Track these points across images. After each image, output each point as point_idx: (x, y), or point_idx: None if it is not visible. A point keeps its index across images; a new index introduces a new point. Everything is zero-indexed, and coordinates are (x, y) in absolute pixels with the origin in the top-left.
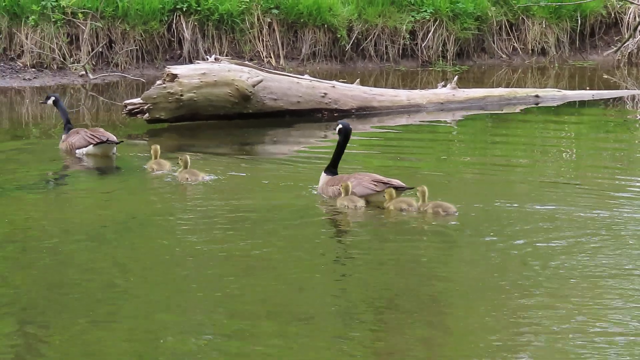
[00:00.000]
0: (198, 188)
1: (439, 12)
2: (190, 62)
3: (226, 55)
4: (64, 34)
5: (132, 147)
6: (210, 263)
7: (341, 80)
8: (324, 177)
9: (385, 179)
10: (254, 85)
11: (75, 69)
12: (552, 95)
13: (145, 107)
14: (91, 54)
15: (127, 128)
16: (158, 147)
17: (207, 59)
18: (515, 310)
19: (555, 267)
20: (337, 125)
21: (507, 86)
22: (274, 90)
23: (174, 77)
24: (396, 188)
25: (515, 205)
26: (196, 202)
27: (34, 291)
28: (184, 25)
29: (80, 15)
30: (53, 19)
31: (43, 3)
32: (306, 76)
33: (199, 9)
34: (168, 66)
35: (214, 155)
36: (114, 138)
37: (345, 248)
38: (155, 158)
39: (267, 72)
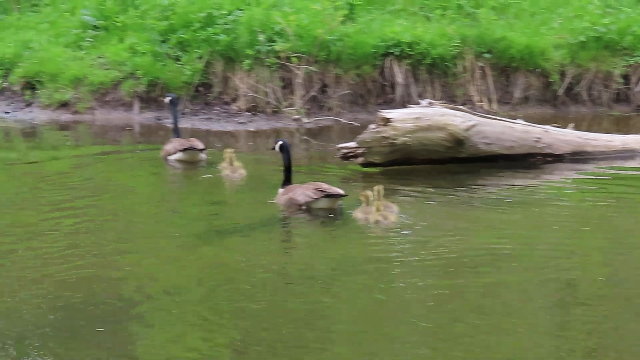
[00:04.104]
0: None
1: None
2: (403, 106)
3: (439, 100)
4: (278, 78)
5: (347, 189)
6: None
7: (554, 124)
8: (280, 191)
9: (325, 187)
10: (467, 130)
11: (289, 113)
12: None
13: (359, 151)
14: (305, 98)
15: (343, 171)
16: None
17: (420, 103)
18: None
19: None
20: (278, 142)
21: None
22: (488, 135)
23: (387, 121)
24: (332, 195)
25: None
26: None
27: None
28: (396, 70)
29: (294, 59)
30: (267, 63)
31: (257, 47)
32: (519, 120)
33: (411, 53)
34: (381, 110)
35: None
36: (200, 145)
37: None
38: None
39: (480, 116)
